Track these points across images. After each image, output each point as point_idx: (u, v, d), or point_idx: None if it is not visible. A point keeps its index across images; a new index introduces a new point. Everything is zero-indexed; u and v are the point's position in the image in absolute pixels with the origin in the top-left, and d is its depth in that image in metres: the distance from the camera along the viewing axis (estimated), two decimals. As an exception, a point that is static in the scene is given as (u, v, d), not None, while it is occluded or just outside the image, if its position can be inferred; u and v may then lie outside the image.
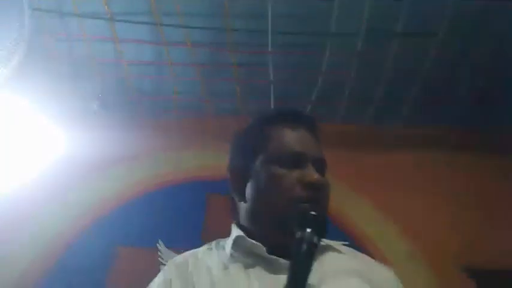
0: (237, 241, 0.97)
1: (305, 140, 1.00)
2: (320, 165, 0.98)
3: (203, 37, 2.37)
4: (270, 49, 2.34)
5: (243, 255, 0.95)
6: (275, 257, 0.91)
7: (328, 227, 0.85)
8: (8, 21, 1.89)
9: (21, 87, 2.26)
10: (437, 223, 2.45)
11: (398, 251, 2.43)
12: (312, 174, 0.94)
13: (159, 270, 2.39)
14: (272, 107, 2.71)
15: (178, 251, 2.53)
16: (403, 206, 2.47)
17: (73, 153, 2.54)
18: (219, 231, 2.82)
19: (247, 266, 0.93)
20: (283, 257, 0.90)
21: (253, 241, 0.94)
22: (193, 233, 2.49)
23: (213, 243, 1.05)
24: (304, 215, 0.82)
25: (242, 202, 1.02)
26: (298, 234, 0.78)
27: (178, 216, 2.53)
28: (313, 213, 0.82)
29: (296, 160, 0.96)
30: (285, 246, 0.84)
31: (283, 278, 0.82)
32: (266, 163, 0.98)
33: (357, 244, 2.42)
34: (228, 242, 0.99)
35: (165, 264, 2.56)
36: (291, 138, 0.99)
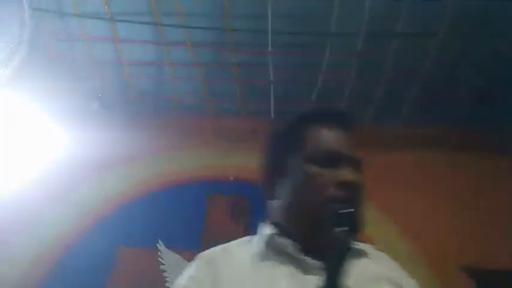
0: (268, 239, 0.96)
1: (341, 140, 0.99)
2: (356, 165, 0.98)
3: (203, 37, 2.38)
4: (270, 49, 2.34)
5: (274, 253, 0.94)
6: (305, 257, 0.91)
7: (363, 226, 0.86)
8: (9, 21, 1.89)
9: (22, 87, 2.26)
10: (437, 223, 2.45)
11: (399, 251, 2.43)
12: (347, 174, 0.94)
13: (159, 270, 2.39)
14: (272, 107, 2.71)
15: (179, 251, 2.55)
16: (403, 206, 2.47)
17: (74, 153, 2.54)
18: (219, 231, 2.83)
19: (276, 265, 0.92)
20: (315, 257, 0.90)
21: (285, 240, 0.94)
22: (193, 233, 2.49)
23: (245, 239, 1.05)
24: (339, 214, 0.82)
25: (274, 200, 1.01)
26: (333, 232, 0.79)
27: (179, 216, 2.53)
28: (348, 211, 0.83)
29: (331, 159, 0.96)
30: (318, 246, 0.86)
31: (312, 279, 0.85)
32: (301, 161, 0.97)
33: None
34: (259, 239, 0.98)
35: (165, 264, 2.53)
36: (327, 137, 0.99)
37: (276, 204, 1.01)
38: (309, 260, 0.90)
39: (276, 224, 0.99)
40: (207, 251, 1.02)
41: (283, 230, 0.96)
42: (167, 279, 2.40)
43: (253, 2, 2.19)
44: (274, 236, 0.95)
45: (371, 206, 2.90)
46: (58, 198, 2.56)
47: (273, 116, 2.75)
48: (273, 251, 0.94)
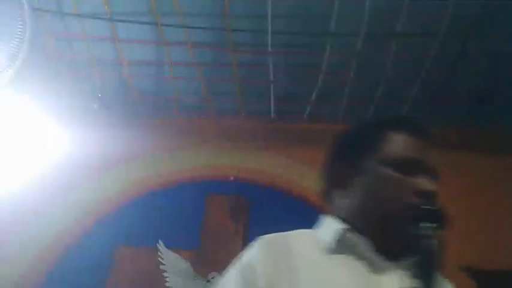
0: (340, 233, 0.94)
1: (422, 148, 0.99)
2: (433, 175, 0.97)
3: (203, 37, 2.38)
4: (270, 49, 2.34)
5: (344, 248, 0.93)
6: (379, 256, 0.91)
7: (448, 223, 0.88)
8: (9, 22, 1.89)
9: (22, 86, 2.26)
10: (437, 223, 2.44)
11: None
12: (427, 183, 0.94)
13: (159, 270, 2.39)
14: (272, 107, 2.71)
15: (178, 250, 2.55)
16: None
17: (73, 153, 2.54)
18: (219, 231, 2.83)
19: (346, 260, 0.92)
20: (387, 257, 0.90)
21: (358, 236, 0.93)
22: (193, 233, 2.49)
23: (305, 231, 1.04)
24: (425, 210, 0.85)
25: (344, 197, 1.01)
26: (418, 231, 0.81)
27: (179, 216, 2.53)
28: (433, 208, 0.85)
29: (412, 166, 0.96)
30: (391, 247, 0.88)
31: (383, 279, 0.87)
32: (378, 164, 0.98)
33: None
34: (327, 233, 0.97)
35: (164, 264, 2.53)
36: (410, 144, 0.99)
37: (345, 202, 1.01)
38: (381, 259, 0.90)
39: (344, 220, 0.98)
40: (267, 236, 1.01)
41: (353, 226, 0.95)
42: (167, 279, 2.40)
43: (253, 2, 2.19)
44: (346, 231, 0.94)
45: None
46: (57, 198, 2.56)
47: (273, 116, 2.75)
48: (342, 246, 0.93)
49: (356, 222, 0.96)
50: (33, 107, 2.45)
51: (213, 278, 2.38)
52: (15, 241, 2.45)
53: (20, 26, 1.89)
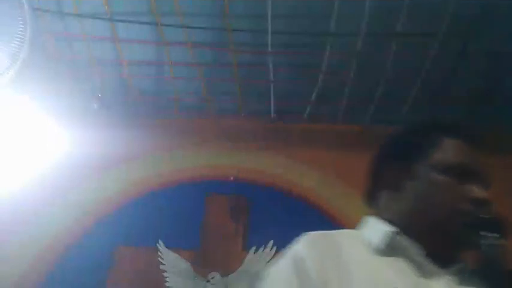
0: (391, 236, 0.93)
1: (475, 156, 1.00)
2: (485, 183, 0.98)
3: (203, 37, 2.38)
4: (270, 49, 2.34)
5: (393, 251, 0.92)
6: (429, 261, 0.90)
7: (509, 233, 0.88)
8: (9, 22, 1.89)
9: (22, 86, 2.26)
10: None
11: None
12: (481, 191, 0.94)
13: (159, 270, 2.39)
14: (272, 107, 2.71)
15: (178, 250, 2.55)
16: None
17: (73, 153, 2.54)
18: (219, 231, 2.83)
19: (396, 263, 0.90)
20: (437, 263, 0.90)
21: (408, 240, 0.92)
22: (193, 233, 2.49)
23: (349, 231, 1.04)
24: (484, 219, 0.86)
25: (394, 200, 1.00)
26: (484, 238, 0.83)
27: (179, 216, 2.53)
28: (493, 217, 0.86)
29: (466, 173, 0.96)
30: (440, 252, 0.89)
31: (432, 284, 0.87)
32: (434, 170, 0.97)
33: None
34: (376, 234, 0.95)
35: (164, 264, 2.53)
36: (465, 151, 0.99)
37: (395, 204, 1.00)
38: (430, 264, 0.90)
39: (390, 222, 0.97)
40: (313, 232, 1.00)
41: (402, 229, 0.94)
42: (167, 279, 2.40)
43: (253, 2, 2.19)
44: (396, 234, 0.93)
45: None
46: (57, 198, 2.56)
47: (273, 116, 2.75)
48: (392, 248, 0.92)
49: (405, 225, 0.95)
50: (33, 107, 2.45)
51: (213, 278, 2.38)
52: (15, 241, 2.45)
53: (20, 26, 1.89)
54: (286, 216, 2.51)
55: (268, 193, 2.60)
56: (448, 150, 0.99)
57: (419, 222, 0.95)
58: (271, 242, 2.45)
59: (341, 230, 1.04)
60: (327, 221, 2.51)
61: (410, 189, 0.99)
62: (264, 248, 2.45)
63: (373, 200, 1.05)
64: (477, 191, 0.94)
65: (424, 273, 0.89)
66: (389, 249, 0.92)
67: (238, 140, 2.70)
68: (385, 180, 1.03)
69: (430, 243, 0.91)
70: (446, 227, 0.91)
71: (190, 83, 2.61)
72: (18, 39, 1.91)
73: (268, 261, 2.42)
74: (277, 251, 2.44)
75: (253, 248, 2.46)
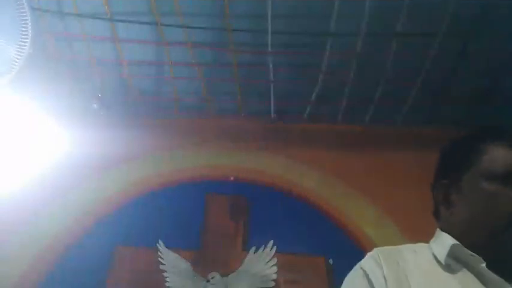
0: (452, 249, 0.95)
1: None
2: None
3: (203, 37, 2.38)
4: (270, 49, 2.34)
5: (457, 265, 0.93)
6: (491, 272, 0.89)
7: None
8: (9, 22, 1.89)
9: (22, 86, 2.26)
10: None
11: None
12: None
13: (159, 270, 2.39)
14: (272, 107, 2.71)
15: (178, 250, 2.55)
16: (403, 206, 2.47)
17: (73, 153, 2.54)
18: (219, 231, 2.82)
19: (462, 278, 0.91)
20: (499, 273, 0.89)
21: (472, 253, 0.92)
22: (193, 233, 2.49)
23: (416, 245, 1.04)
24: None
25: (450, 215, 1.02)
26: None
27: (178, 216, 2.53)
28: None
29: (509, 181, 0.94)
30: (502, 262, 0.88)
31: None
32: (482, 179, 0.97)
33: (357, 244, 2.43)
34: (442, 248, 0.97)
35: (165, 264, 2.53)
36: (508, 155, 0.97)
37: (452, 219, 1.01)
38: (493, 274, 0.89)
39: (453, 235, 0.98)
40: (384, 248, 1.02)
41: (463, 242, 0.95)
42: (167, 279, 2.40)
43: (253, 2, 2.19)
44: (459, 247, 0.94)
45: (371, 206, 2.91)
46: (57, 198, 2.56)
47: (273, 116, 2.75)
48: (455, 261, 0.94)
49: (464, 238, 0.95)
50: (33, 107, 2.45)
51: (212, 277, 2.38)
52: (15, 241, 2.45)
53: (20, 26, 1.89)
54: (286, 216, 2.51)
55: (268, 193, 2.60)
56: (495, 157, 0.98)
57: (477, 234, 0.95)
58: (271, 242, 2.45)
59: (411, 245, 1.04)
60: (327, 221, 2.51)
61: (463, 202, 0.99)
62: (264, 248, 2.45)
63: (437, 215, 1.07)
64: None
65: (488, 285, 0.89)
66: (453, 263, 0.93)
67: (238, 140, 2.70)
68: (438, 197, 1.06)
69: (490, 255, 0.90)
70: (504, 236, 0.90)
71: (190, 83, 2.61)
72: (18, 39, 1.91)
73: (268, 261, 2.42)
74: (277, 251, 2.44)
75: (253, 248, 2.46)
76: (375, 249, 1.00)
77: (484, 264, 0.89)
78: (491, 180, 0.95)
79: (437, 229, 1.04)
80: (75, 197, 2.58)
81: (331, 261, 2.37)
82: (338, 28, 2.23)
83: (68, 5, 2.27)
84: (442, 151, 1.11)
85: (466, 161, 1.02)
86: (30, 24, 1.90)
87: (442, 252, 0.96)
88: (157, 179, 2.66)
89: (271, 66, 2.43)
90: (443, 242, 0.98)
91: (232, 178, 2.64)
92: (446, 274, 0.93)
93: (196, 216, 2.54)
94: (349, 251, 2.37)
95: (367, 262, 0.97)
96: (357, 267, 0.98)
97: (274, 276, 2.40)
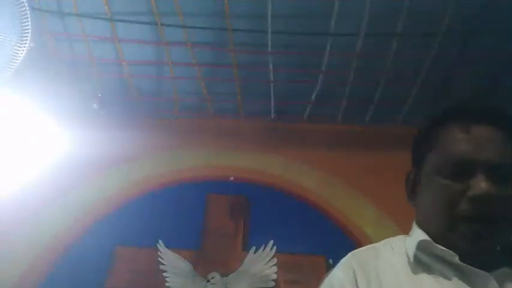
0: (420, 246, 0.87)
1: (480, 143, 0.84)
2: (499, 173, 0.82)
3: (203, 37, 2.37)
4: (270, 49, 2.34)
5: (431, 260, 0.86)
6: (468, 265, 0.81)
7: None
8: (9, 22, 1.89)
9: (22, 86, 2.26)
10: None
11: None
12: (478, 187, 0.80)
13: (159, 270, 2.39)
14: (272, 107, 2.71)
15: (178, 250, 2.55)
16: (403, 206, 2.47)
17: (73, 153, 2.54)
18: (219, 231, 2.82)
19: (437, 273, 0.84)
20: (476, 265, 0.81)
21: (441, 248, 0.84)
22: (193, 233, 2.49)
23: (392, 240, 0.96)
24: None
25: (416, 207, 0.95)
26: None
27: (178, 216, 2.53)
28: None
29: (461, 170, 0.83)
30: (474, 254, 0.81)
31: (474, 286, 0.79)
32: (430, 171, 0.88)
33: (357, 244, 2.43)
34: (411, 245, 0.89)
35: (165, 264, 2.55)
36: (460, 142, 0.85)
37: (417, 210, 0.94)
38: (474, 269, 0.80)
39: (423, 228, 0.91)
40: (357, 250, 0.96)
41: (431, 235, 0.88)
42: (167, 279, 2.40)
43: (253, 2, 2.19)
44: (428, 242, 0.86)
45: (371, 206, 2.91)
46: (57, 198, 2.56)
47: (273, 116, 2.75)
48: (429, 257, 0.86)
49: (430, 232, 0.88)
50: (33, 107, 2.45)
51: (212, 277, 2.38)
52: (15, 241, 2.45)
53: (20, 26, 1.89)
54: (286, 216, 2.51)
55: (268, 193, 2.60)
56: (442, 144, 0.88)
57: (435, 228, 0.87)
58: (271, 242, 2.45)
59: (391, 239, 0.97)
60: (327, 221, 2.51)
61: (421, 194, 0.92)
62: (264, 248, 2.45)
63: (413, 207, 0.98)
64: (474, 187, 0.81)
65: (469, 280, 0.81)
66: (425, 259, 0.86)
67: (238, 140, 2.70)
68: (406, 188, 0.99)
69: (456, 248, 0.83)
70: (449, 235, 0.83)
71: (190, 83, 2.61)
72: (18, 39, 1.91)
73: (268, 261, 2.42)
74: (277, 251, 2.44)
75: (253, 248, 2.46)
76: (350, 255, 0.94)
77: (457, 258, 0.82)
78: (442, 175, 0.86)
79: (414, 222, 0.96)
80: (75, 197, 2.58)
81: (331, 261, 2.37)
82: (338, 28, 2.23)
83: (68, 5, 2.27)
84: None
85: (424, 147, 0.92)
86: (30, 24, 1.90)
87: (411, 249, 0.88)
88: (158, 179, 2.66)
89: (271, 66, 2.43)
90: (414, 238, 0.90)
91: (232, 178, 2.64)
92: (418, 271, 0.85)
93: (196, 216, 2.54)
94: (349, 251, 2.36)
95: (339, 273, 0.91)
96: (328, 278, 0.92)
97: (274, 276, 2.40)
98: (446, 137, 0.88)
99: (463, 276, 0.82)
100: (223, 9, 2.20)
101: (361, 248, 0.96)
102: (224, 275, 2.40)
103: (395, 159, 2.64)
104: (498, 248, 0.85)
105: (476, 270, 0.80)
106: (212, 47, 2.45)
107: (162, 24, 2.30)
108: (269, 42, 2.30)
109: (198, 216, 2.55)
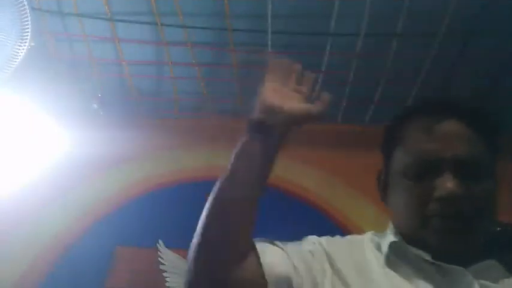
0: (392, 246, 0.84)
1: (445, 140, 0.80)
2: (467, 168, 0.79)
3: (203, 37, 2.38)
4: (270, 49, 2.34)
5: (404, 261, 0.83)
6: (442, 263, 0.78)
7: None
8: (9, 22, 1.89)
9: (22, 86, 2.26)
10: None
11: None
12: (444, 187, 0.77)
13: (159, 270, 2.38)
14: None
15: (178, 250, 2.54)
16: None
17: (73, 153, 2.54)
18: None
19: (410, 272, 0.81)
20: (451, 262, 0.78)
21: (414, 249, 0.81)
22: (192, 233, 2.49)
23: (379, 235, 0.93)
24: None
25: (384, 201, 0.92)
26: None
27: (178, 216, 2.53)
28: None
29: (427, 169, 0.80)
30: (449, 251, 0.79)
31: (457, 285, 0.76)
32: (397, 171, 0.85)
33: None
34: (384, 245, 0.86)
35: (165, 264, 2.53)
36: (424, 141, 0.81)
37: (389, 209, 0.91)
38: (449, 265, 0.78)
39: (396, 227, 0.88)
40: (311, 237, 0.94)
41: (403, 234, 0.86)
42: (167, 279, 2.40)
43: (253, 2, 2.19)
44: (399, 243, 0.84)
45: (371, 206, 2.91)
46: (57, 198, 2.56)
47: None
48: (403, 256, 0.83)
49: (402, 231, 0.86)
50: (33, 107, 2.45)
51: (213, 278, 2.38)
52: (15, 241, 2.44)
53: (20, 26, 1.89)
54: (286, 216, 2.51)
55: (268, 193, 2.60)
56: (407, 143, 0.84)
57: (404, 228, 0.85)
58: (271, 242, 2.45)
59: (376, 233, 0.94)
60: (327, 221, 2.51)
61: (390, 198, 0.90)
62: (264, 248, 2.45)
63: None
64: (439, 186, 0.78)
65: (445, 276, 0.79)
66: (400, 257, 0.84)
67: (239, 140, 2.70)
68: (378, 189, 0.96)
69: (428, 249, 0.81)
70: (423, 235, 0.80)
71: (190, 83, 2.61)
72: (18, 39, 1.91)
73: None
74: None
75: (253, 248, 2.45)
76: (323, 239, 0.93)
77: (430, 256, 0.79)
78: (405, 176, 0.83)
79: (390, 221, 0.93)
80: (75, 197, 2.58)
81: (331, 261, 2.37)
82: (338, 28, 2.23)
83: (68, 5, 2.27)
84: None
85: (391, 145, 0.90)
86: (30, 24, 1.90)
87: (384, 249, 0.85)
88: (157, 179, 2.65)
89: (271, 66, 2.43)
90: (387, 238, 0.88)
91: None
92: (393, 268, 0.83)
93: (196, 216, 2.53)
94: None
95: (313, 239, 0.92)
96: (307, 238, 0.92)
97: (274, 276, 2.40)
98: (410, 134, 0.85)
99: (437, 273, 0.79)
100: (223, 9, 2.20)
101: (336, 237, 0.95)
102: (224, 275, 2.40)
103: (395, 159, 2.65)
104: (481, 241, 0.82)
105: (451, 266, 0.77)
106: (212, 47, 2.45)
107: (162, 24, 2.30)
108: (269, 42, 2.30)
109: (198, 216, 2.54)
